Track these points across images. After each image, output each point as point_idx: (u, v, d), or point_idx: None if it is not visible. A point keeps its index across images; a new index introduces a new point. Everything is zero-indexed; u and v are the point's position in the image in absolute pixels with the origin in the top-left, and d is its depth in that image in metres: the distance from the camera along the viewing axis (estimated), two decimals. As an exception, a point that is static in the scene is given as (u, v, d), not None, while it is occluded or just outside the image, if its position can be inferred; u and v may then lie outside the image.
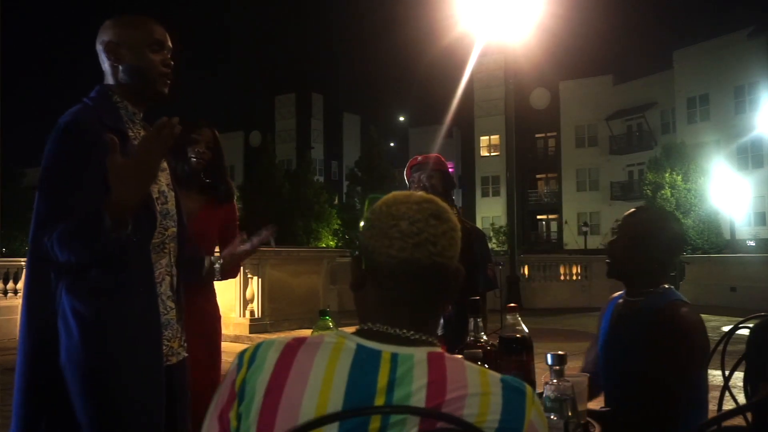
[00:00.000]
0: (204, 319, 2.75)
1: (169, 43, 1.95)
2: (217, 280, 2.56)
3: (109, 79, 1.91)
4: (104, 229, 1.56)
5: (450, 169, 3.50)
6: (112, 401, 1.69)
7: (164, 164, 1.98)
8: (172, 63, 1.94)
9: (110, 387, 1.69)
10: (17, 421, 1.75)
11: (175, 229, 1.97)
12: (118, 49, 1.88)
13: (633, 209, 2.22)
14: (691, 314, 1.97)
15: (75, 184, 1.70)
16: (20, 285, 10.68)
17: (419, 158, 3.40)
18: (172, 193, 1.99)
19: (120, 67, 1.88)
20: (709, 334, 2.03)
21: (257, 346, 1.08)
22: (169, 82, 1.93)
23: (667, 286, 2.09)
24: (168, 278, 1.93)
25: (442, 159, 3.46)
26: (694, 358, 1.92)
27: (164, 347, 1.87)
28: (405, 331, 1.07)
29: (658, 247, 2.07)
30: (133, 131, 1.89)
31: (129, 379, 1.71)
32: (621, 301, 2.18)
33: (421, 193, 1.16)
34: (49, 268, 1.73)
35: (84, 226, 1.61)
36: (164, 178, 1.96)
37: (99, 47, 1.91)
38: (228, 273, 2.55)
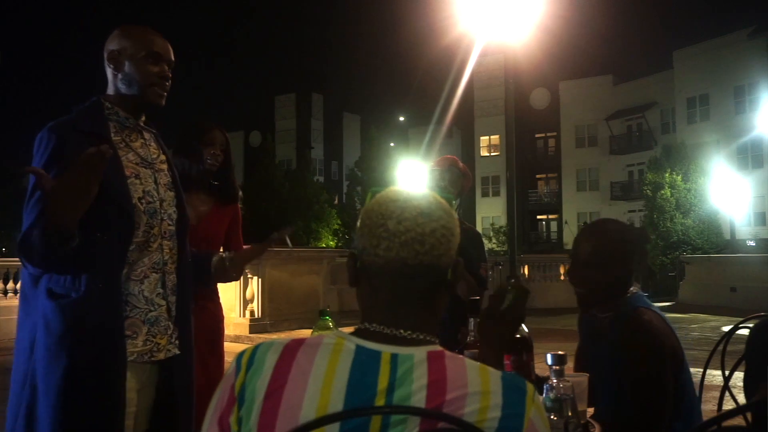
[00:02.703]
0: (207, 318, 2.76)
1: (171, 57, 2.02)
2: (230, 278, 2.56)
3: (110, 86, 2.00)
4: (46, 243, 1.64)
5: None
6: (72, 394, 1.74)
7: (163, 165, 2.04)
8: (170, 76, 2.00)
9: (70, 380, 1.74)
10: (9, 408, 1.83)
11: (171, 228, 1.99)
12: (119, 58, 1.96)
13: (579, 234, 2.11)
14: (654, 319, 1.96)
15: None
16: (20, 285, 10.83)
17: (461, 163, 3.55)
18: (171, 193, 2.02)
19: (118, 75, 1.96)
20: (709, 334, 2.04)
21: (255, 349, 1.07)
22: (164, 93, 1.99)
23: (633, 290, 2.05)
24: (155, 275, 1.94)
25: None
26: (665, 363, 1.91)
27: (150, 343, 1.90)
28: (402, 331, 1.06)
29: (606, 262, 2.00)
30: (122, 135, 1.96)
31: (87, 372, 1.76)
32: (591, 317, 2.15)
33: (417, 189, 1.14)
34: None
35: (28, 239, 1.70)
36: (162, 179, 2.01)
37: (104, 54, 1.99)
38: (237, 269, 2.56)
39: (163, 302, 1.95)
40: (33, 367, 1.77)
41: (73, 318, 1.76)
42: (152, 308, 1.92)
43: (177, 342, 1.98)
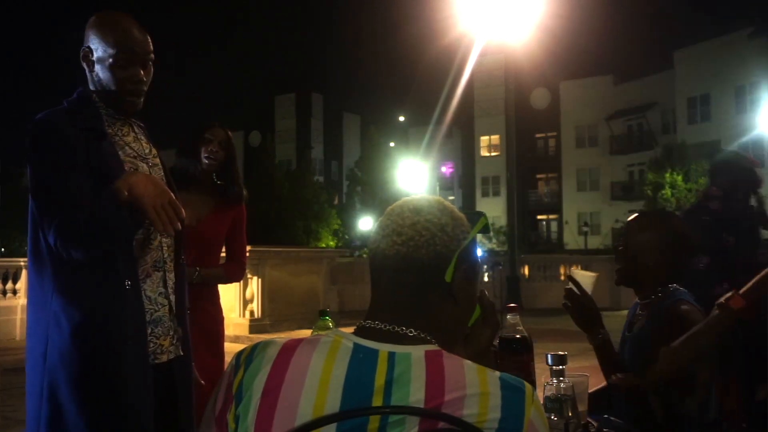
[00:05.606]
0: (206, 320, 2.74)
1: (147, 49, 1.88)
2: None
3: (89, 82, 1.91)
4: (122, 220, 1.65)
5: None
6: (103, 401, 1.70)
7: (156, 160, 1.99)
8: (143, 78, 1.87)
9: (101, 387, 1.70)
10: (28, 422, 1.77)
11: None
12: (90, 58, 1.86)
13: (635, 214, 2.23)
14: (692, 311, 1.98)
15: (61, 177, 1.71)
16: (20, 285, 10.79)
17: None
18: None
19: (92, 76, 1.88)
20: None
21: (254, 347, 1.07)
22: (139, 99, 1.89)
23: (675, 285, 2.09)
24: (158, 274, 1.90)
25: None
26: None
27: (152, 345, 1.85)
28: (396, 327, 1.06)
29: (659, 249, 2.07)
30: (113, 128, 1.89)
31: (118, 378, 1.71)
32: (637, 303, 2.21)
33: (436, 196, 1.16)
34: (44, 269, 1.74)
35: (94, 222, 1.65)
36: (156, 173, 1.95)
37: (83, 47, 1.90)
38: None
39: (166, 302, 1.91)
40: (50, 375, 1.70)
41: (97, 321, 1.71)
42: (156, 308, 1.88)
43: (179, 343, 1.95)
